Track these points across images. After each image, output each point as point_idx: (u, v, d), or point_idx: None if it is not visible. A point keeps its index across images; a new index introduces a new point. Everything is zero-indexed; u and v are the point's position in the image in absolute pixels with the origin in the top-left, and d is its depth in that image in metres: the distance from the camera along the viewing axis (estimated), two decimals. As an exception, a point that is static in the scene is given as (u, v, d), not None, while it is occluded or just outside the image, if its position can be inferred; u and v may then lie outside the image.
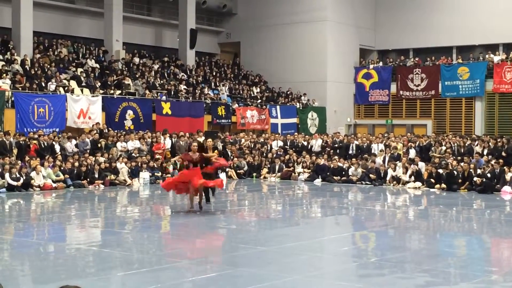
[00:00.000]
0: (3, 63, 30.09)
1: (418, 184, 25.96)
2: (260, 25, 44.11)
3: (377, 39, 45.30)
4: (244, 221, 17.44)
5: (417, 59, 42.68)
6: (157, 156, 28.00)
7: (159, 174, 26.91)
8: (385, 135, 33.60)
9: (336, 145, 31.90)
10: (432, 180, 25.79)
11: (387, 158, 28.38)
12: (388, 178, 27.05)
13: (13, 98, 27.20)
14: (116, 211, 19.31)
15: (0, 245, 13.16)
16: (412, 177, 26.37)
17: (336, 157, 29.50)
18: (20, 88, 28.15)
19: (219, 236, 14.75)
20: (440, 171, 25.89)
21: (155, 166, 27.23)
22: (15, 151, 24.80)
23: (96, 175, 24.86)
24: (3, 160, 23.24)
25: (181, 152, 29.43)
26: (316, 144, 32.37)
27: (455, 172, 25.46)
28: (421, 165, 27.04)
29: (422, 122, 41.31)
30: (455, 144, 29.38)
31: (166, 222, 17.55)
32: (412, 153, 29.04)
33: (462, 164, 25.88)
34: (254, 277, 10.14)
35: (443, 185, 25.26)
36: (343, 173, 28.22)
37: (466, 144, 29.36)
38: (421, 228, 16.59)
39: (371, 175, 27.38)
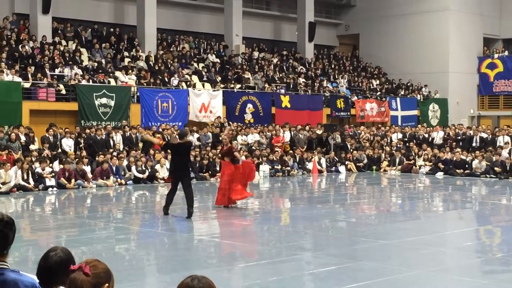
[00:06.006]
0: (129, 59, 31.25)
1: (547, 177, 24.89)
2: (379, 16, 43.46)
3: (502, 27, 43.65)
4: (364, 214, 17.32)
5: (545, 47, 40.84)
6: (276, 149, 28.22)
7: (279, 167, 27.13)
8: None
9: (459, 138, 31.09)
10: (563, 174, 24.67)
11: (513, 151, 27.40)
12: (514, 171, 26.10)
13: (138, 94, 28.22)
14: (236, 203, 19.59)
15: (128, 235, 13.71)
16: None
17: (458, 149, 28.74)
18: (144, 84, 29.14)
19: (338, 229, 14.71)
20: None
21: (275, 159, 27.45)
22: (140, 144, 25.76)
23: (218, 168, 25.33)
24: (130, 153, 24.19)
25: (300, 145, 29.62)
26: (438, 136, 31.69)
27: None
28: (550, 158, 25.92)
29: (551, 113, 39.54)
30: None
31: (286, 214, 17.70)
32: (541, 145, 27.88)
33: None
34: (375, 270, 10.06)
35: None
36: (466, 166, 27.45)
37: None
38: (550, 223, 15.92)
39: (496, 168, 26.49)
